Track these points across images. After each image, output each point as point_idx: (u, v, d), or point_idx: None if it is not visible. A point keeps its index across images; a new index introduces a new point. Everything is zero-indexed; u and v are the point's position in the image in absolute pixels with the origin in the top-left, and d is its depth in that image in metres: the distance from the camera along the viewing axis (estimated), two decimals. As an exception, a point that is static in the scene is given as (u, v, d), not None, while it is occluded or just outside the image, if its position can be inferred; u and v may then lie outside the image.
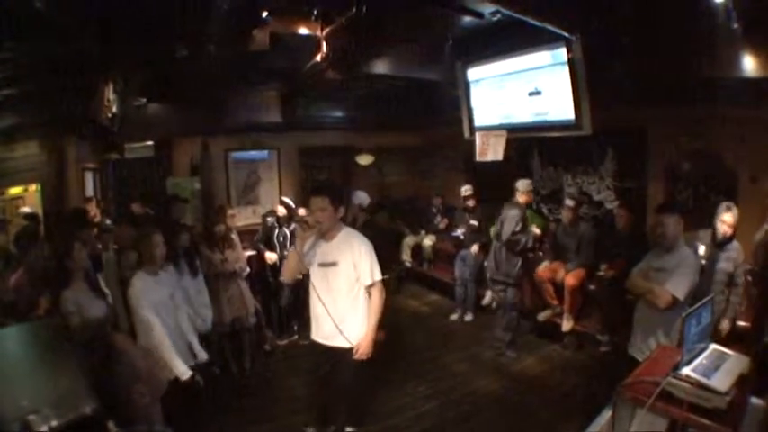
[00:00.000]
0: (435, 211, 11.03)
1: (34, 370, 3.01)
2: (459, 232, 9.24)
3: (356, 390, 4.81)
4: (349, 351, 4.43)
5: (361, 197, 7.90)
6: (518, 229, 6.89)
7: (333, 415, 4.91)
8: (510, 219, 6.96)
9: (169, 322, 4.67)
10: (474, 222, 8.88)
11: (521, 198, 7.19)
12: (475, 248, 8.64)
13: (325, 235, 4.40)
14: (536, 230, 7.42)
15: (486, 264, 7.89)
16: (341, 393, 4.74)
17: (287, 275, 4.88)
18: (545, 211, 9.55)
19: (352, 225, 7.41)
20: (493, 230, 8.07)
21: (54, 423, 2.57)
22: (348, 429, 4.86)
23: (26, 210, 7.66)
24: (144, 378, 4.06)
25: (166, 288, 4.84)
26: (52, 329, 3.58)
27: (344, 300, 4.43)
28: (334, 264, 4.39)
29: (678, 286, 4.23)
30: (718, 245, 5.48)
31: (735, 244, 5.44)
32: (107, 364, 3.59)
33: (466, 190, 9.22)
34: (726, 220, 5.43)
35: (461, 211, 9.33)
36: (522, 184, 7.28)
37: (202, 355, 5.05)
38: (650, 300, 4.42)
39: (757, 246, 5.60)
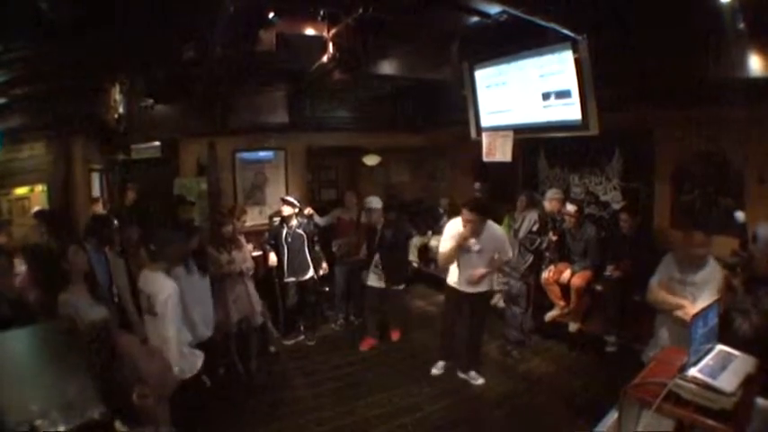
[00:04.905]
0: (442, 211, 11.03)
1: (43, 373, 2.97)
2: None
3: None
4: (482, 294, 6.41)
5: (375, 202, 7.90)
6: (534, 229, 7.17)
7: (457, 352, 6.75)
8: (529, 219, 7.25)
9: (180, 320, 4.71)
10: None
11: (547, 205, 7.66)
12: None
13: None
14: (552, 237, 7.47)
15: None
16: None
17: (444, 261, 6.46)
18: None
19: (374, 228, 7.50)
20: (505, 221, 8.47)
21: (62, 428, 2.57)
22: (471, 373, 6.60)
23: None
24: (147, 379, 4.07)
25: (177, 287, 4.87)
26: (61, 332, 3.58)
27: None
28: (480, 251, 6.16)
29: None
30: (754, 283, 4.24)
31: None
32: (109, 364, 3.60)
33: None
34: None
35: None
36: (549, 193, 7.88)
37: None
38: (681, 316, 4.39)
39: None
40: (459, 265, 6.38)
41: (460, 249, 6.20)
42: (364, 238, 8.14)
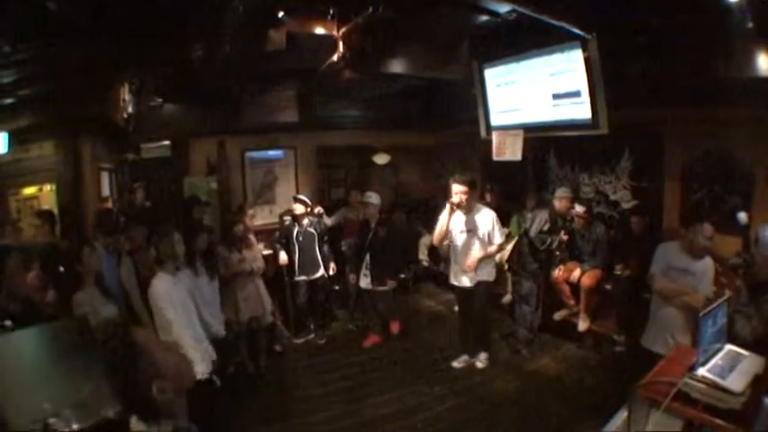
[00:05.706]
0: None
1: (56, 371, 2.95)
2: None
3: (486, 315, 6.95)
4: (479, 285, 6.51)
5: (374, 197, 7.84)
6: (545, 228, 7.22)
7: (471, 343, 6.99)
8: (540, 218, 7.30)
9: (187, 321, 4.72)
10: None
11: (556, 203, 7.61)
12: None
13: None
14: (563, 236, 7.47)
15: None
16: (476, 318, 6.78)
17: (439, 238, 6.72)
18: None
19: (367, 225, 7.45)
20: (514, 219, 8.60)
21: (75, 426, 2.56)
22: (482, 355, 6.87)
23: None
24: (165, 374, 4.08)
25: (185, 287, 4.89)
26: (74, 330, 3.57)
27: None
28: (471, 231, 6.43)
29: (709, 290, 4.62)
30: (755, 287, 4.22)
31: None
32: (127, 360, 3.60)
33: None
34: None
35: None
36: (559, 191, 7.79)
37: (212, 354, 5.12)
38: (685, 301, 4.69)
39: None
40: (453, 255, 6.70)
41: (454, 233, 6.53)
42: None
